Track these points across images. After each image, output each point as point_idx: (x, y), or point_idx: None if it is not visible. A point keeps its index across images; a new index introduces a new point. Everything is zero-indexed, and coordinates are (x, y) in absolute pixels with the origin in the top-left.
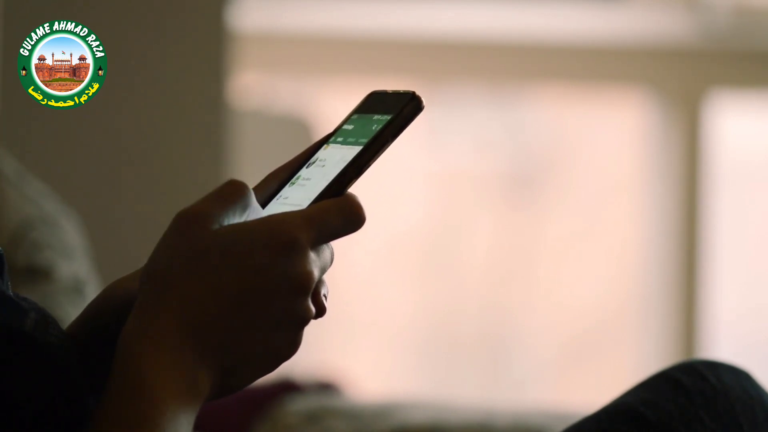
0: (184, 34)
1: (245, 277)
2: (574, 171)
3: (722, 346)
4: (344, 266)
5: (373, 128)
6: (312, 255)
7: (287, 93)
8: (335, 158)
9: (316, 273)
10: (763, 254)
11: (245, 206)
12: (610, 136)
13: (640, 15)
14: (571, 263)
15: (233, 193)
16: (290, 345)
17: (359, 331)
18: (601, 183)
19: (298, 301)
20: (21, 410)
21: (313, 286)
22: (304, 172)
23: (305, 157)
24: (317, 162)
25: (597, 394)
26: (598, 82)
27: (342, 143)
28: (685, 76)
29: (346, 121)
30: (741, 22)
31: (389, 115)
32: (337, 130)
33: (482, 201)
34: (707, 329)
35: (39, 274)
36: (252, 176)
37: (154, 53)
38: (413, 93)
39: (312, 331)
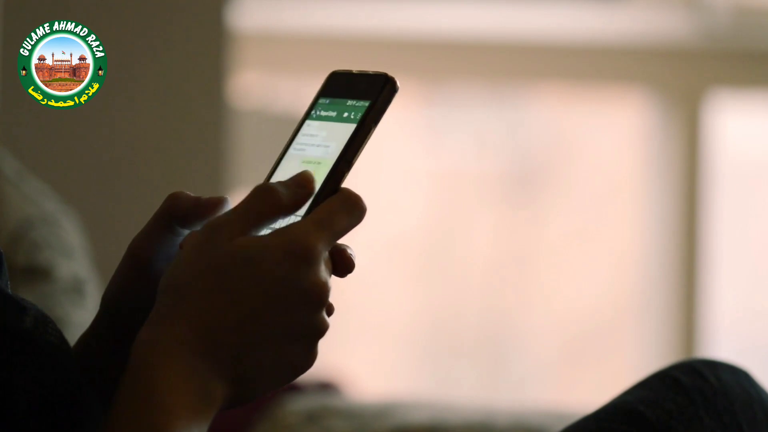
0: (184, 34)
1: (265, 290)
2: (574, 171)
3: (722, 346)
4: None
5: (352, 116)
6: (323, 263)
7: (287, 93)
8: (318, 152)
9: (329, 283)
10: (764, 254)
11: (273, 221)
12: (610, 136)
13: (640, 15)
14: (571, 263)
15: (265, 206)
16: (307, 357)
17: (359, 331)
18: (601, 183)
19: (316, 314)
20: (20, 409)
21: (328, 297)
22: (283, 160)
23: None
24: (295, 150)
25: (597, 394)
26: (598, 82)
27: (322, 130)
28: (685, 76)
29: (314, 105)
30: (741, 22)
31: (365, 100)
32: (308, 115)
33: (482, 201)
34: (707, 329)
35: (39, 273)
36: (252, 176)
37: (154, 53)
38: (386, 75)
39: None
